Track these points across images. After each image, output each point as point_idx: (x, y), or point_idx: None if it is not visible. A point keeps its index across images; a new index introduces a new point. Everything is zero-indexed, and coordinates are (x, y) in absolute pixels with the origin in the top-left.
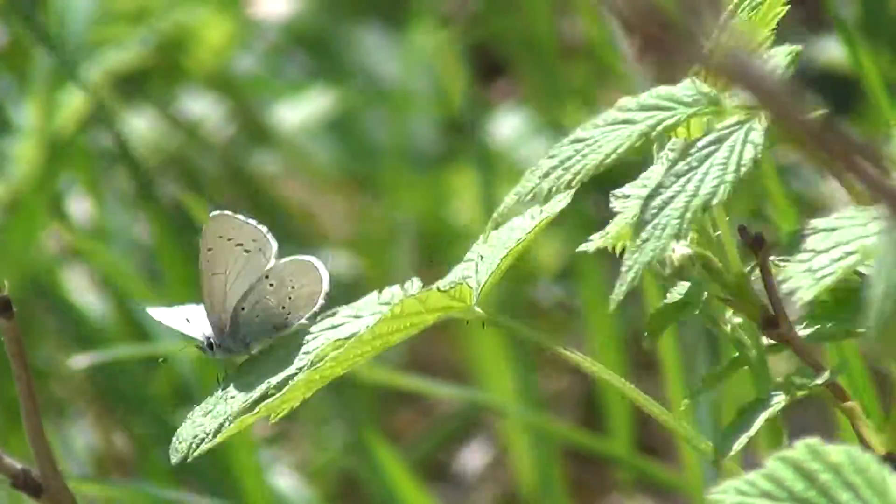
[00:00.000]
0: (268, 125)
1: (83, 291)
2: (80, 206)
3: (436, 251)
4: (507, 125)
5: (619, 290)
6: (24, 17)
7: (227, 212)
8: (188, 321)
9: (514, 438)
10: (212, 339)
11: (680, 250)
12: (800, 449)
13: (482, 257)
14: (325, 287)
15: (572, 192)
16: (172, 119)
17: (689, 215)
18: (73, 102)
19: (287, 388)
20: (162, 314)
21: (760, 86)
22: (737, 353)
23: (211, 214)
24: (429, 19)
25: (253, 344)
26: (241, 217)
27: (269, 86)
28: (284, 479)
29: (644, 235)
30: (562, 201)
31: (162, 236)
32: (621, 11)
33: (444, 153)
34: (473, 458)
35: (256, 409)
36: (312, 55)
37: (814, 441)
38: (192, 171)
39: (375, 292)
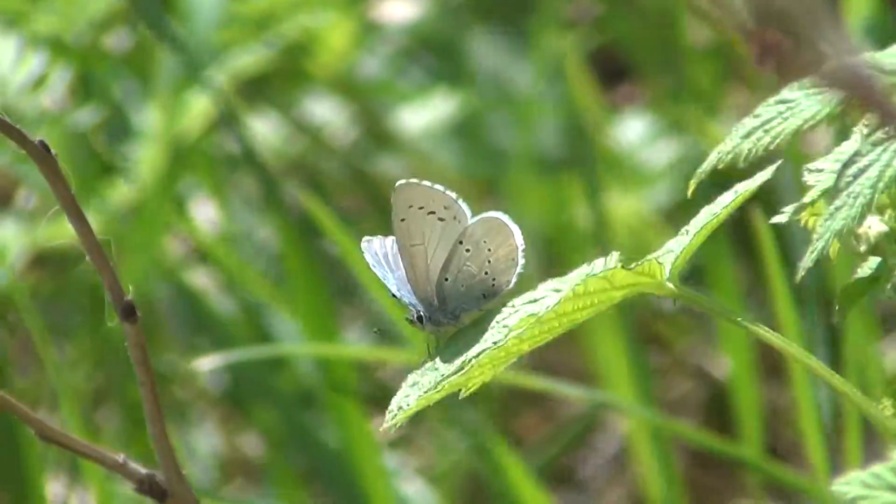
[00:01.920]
0: (391, 129)
1: (208, 295)
2: (203, 211)
3: (557, 254)
4: (632, 129)
5: (809, 258)
6: (149, 20)
7: (412, 179)
8: (395, 296)
9: (637, 441)
10: (421, 313)
11: (877, 227)
12: None
13: (686, 231)
14: (520, 242)
15: (775, 167)
16: (296, 123)
17: (882, 184)
18: (197, 106)
19: (471, 365)
20: (373, 250)
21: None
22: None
23: (397, 184)
24: (553, 23)
25: (463, 315)
26: (427, 183)
27: (393, 89)
28: (409, 484)
29: (837, 203)
30: (763, 176)
31: (287, 241)
32: (739, 17)
33: (567, 158)
34: (596, 462)
35: (440, 388)
36: (436, 59)
37: None
38: (316, 176)
39: (586, 265)
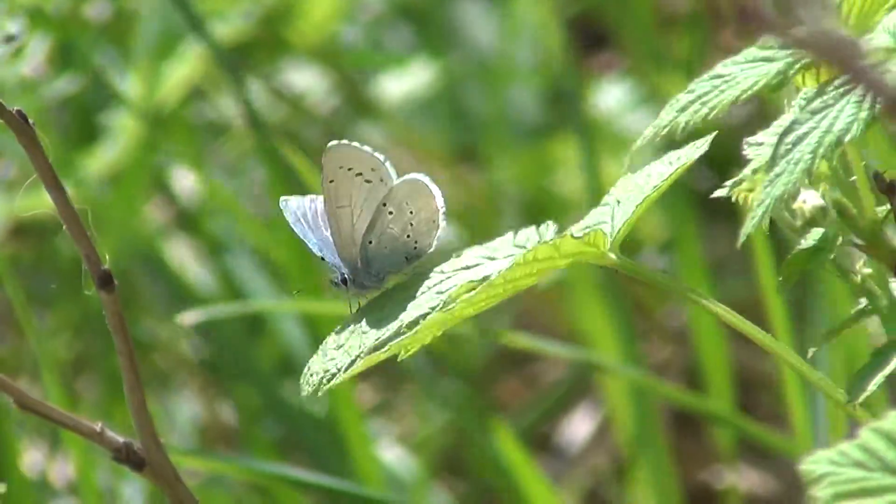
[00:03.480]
0: (371, 97)
1: (187, 263)
2: (183, 180)
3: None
4: (610, 96)
5: (750, 224)
6: None
7: (343, 140)
8: (322, 258)
9: (618, 403)
10: (346, 275)
11: (812, 201)
12: (892, 419)
13: (619, 202)
14: (440, 204)
15: (710, 138)
16: (276, 92)
17: (822, 150)
18: (177, 75)
19: (419, 327)
20: (293, 209)
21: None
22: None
23: (329, 144)
24: None
25: (387, 278)
26: (357, 144)
27: (373, 58)
28: (389, 451)
29: (777, 170)
30: (700, 147)
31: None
32: None
33: (546, 124)
34: (578, 427)
35: (387, 347)
36: (416, 27)
37: None
38: (297, 142)
39: (510, 233)
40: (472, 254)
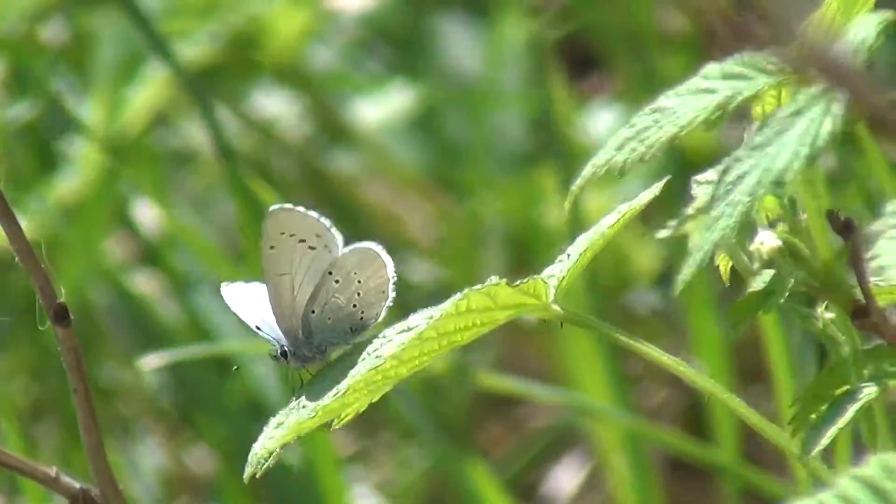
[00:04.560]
0: (346, 123)
1: (152, 299)
2: (146, 211)
3: (525, 256)
4: (600, 121)
5: (687, 272)
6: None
7: (286, 205)
8: (258, 328)
9: (610, 450)
10: (286, 347)
11: (769, 242)
12: (873, 466)
13: (569, 255)
14: (391, 274)
15: (662, 183)
16: (245, 117)
17: (761, 191)
18: (138, 100)
19: (345, 390)
20: (234, 295)
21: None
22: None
23: (270, 209)
24: (516, 10)
25: (329, 350)
26: (301, 209)
27: (348, 81)
28: (367, 500)
29: (716, 213)
30: (649, 193)
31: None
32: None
33: (533, 152)
34: (567, 477)
35: (315, 414)
36: (393, 49)
37: (888, 457)
38: (267, 173)
39: (459, 293)
40: (418, 316)
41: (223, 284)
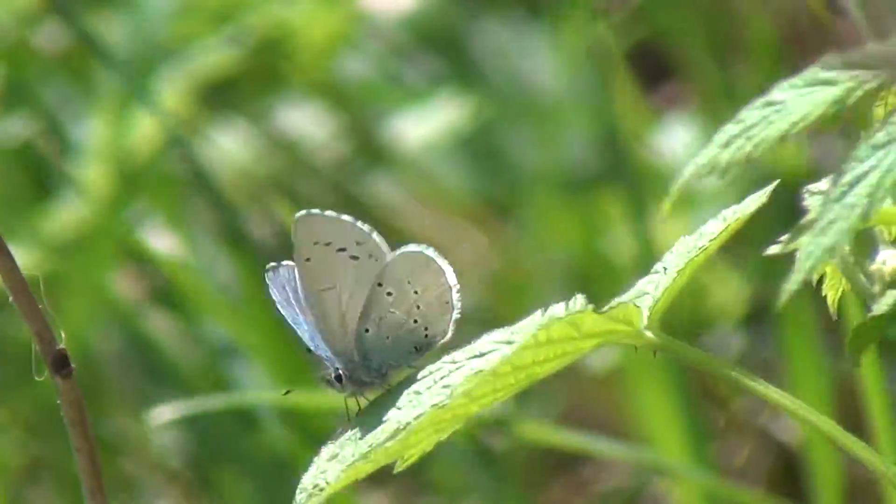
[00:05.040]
0: (386, 142)
1: (165, 343)
2: (159, 242)
3: (592, 292)
4: (674, 137)
5: (794, 279)
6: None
7: (314, 210)
8: (309, 350)
9: None
10: (340, 371)
11: (892, 262)
12: None
13: (665, 269)
14: (452, 280)
15: (769, 189)
16: (270, 136)
17: (881, 193)
18: (150, 117)
19: (407, 430)
20: (281, 282)
21: None
22: None
23: (296, 216)
24: (581, 12)
25: (390, 373)
26: (332, 213)
27: (387, 94)
28: None
29: (829, 216)
30: (756, 200)
31: (250, 283)
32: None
33: (600, 174)
34: None
35: (370, 456)
36: (439, 57)
37: None
38: (295, 200)
39: (539, 311)
40: (489, 338)
41: (269, 267)
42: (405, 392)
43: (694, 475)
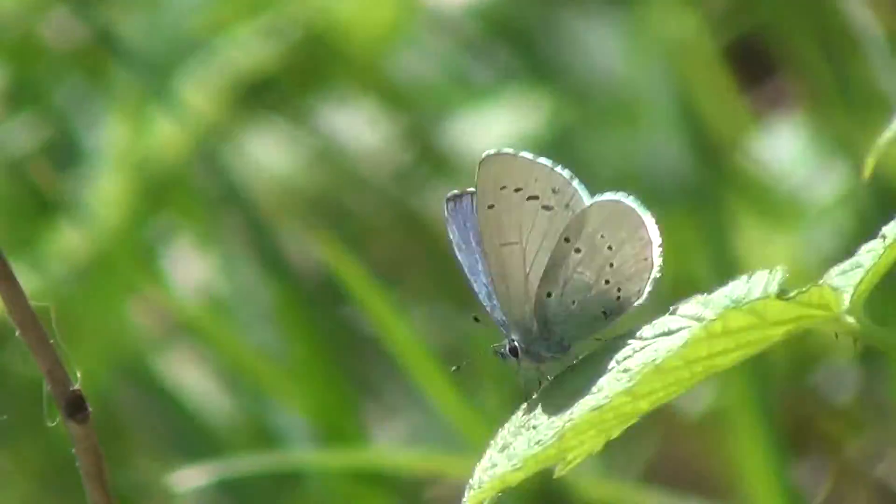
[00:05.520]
0: (448, 150)
1: (190, 382)
2: (185, 267)
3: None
4: (778, 144)
5: None
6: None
7: (505, 149)
8: (476, 319)
9: None
10: (516, 342)
11: None
12: None
13: (882, 241)
14: (654, 237)
15: None
16: (314, 143)
17: None
18: (175, 122)
19: (570, 424)
20: (459, 221)
21: None
22: None
23: (485, 154)
24: (670, 2)
25: (573, 347)
26: (528, 156)
27: (450, 95)
28: None
29: None
30: None
31: (288, 309)
32: None
33: (691, 186)
34: None
35: (518, 464)
36: (509, 53)
37: None
38: (343, 216)
39: (737, 281)
40: (680, 311)
41: (448, 196)
42: (581, 374)
43: None
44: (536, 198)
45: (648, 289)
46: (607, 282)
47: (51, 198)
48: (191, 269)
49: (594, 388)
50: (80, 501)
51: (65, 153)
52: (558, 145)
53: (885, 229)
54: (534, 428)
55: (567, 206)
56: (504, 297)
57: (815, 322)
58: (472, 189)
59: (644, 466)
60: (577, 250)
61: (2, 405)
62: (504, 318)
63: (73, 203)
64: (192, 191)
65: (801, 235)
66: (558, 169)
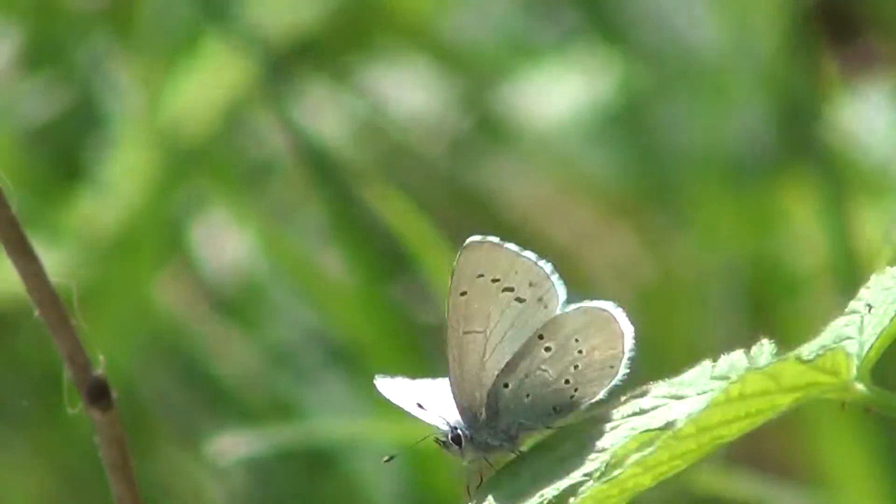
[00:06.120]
0: (508, 117)
1: (223, 366)
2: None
3: (769, 304)
4: (867, 112)
5: None
6: None
7: (490, 238)
8: (420, 406)
9: None
10: (460, 430)
11: None
12: None
13: (870, 308)
14: (628, 347)
15: None
16: (360, 109)
17: None
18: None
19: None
20: (391, 388)
21: None
22: None
23: (467, 242)
24: None
25: (521, 436)
26: (513, 247)
27: (510, 58)
28: None
29: None
30: None
31: (366, 279)
32: None
33: (778, 157)
34: None
35: None
36: (576, 12)
37: None
38: (391, 187)
39: (707, 362)
40: (651, 393)
41: (377, 378)
42: (544, 457)
43: None
44: (512, 290)
45: (604, 393)
46: (567, 381)
47: (72, 166)
48: (223, 244)
49: (563, 470)
50: (103, 494)
51: (86, 119)
52: (629, 115)
53: (864, 300)
54: None
55: (540, 299)
56: (458, 383)
57: (823, 389)
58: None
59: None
60: (548, 349)
61: (19, 391)
62: (450, 405)
63: (96, 173)
64: (224, 160)
65: (892, 210)
66: (541, 263)
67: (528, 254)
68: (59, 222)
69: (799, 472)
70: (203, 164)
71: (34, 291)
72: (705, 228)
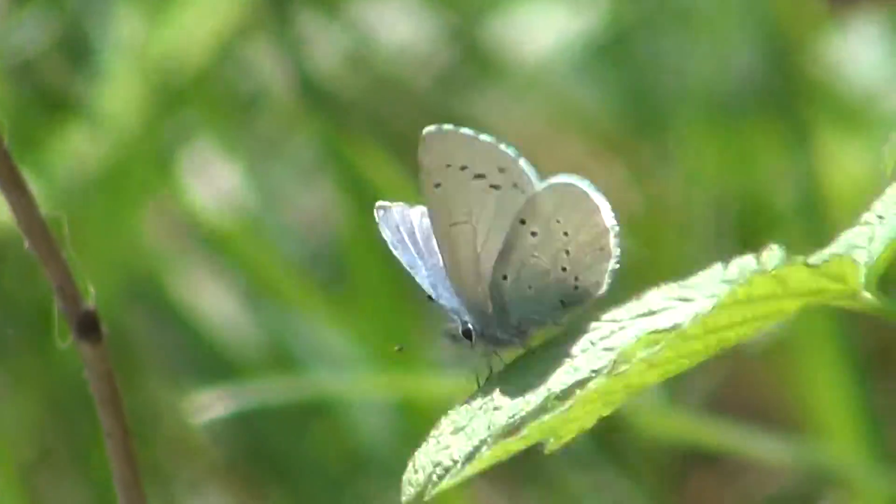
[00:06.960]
0: (497, 51)
1: (211, 300)
2: (208, 174)
3: (752, 237)
4: (859, 49)
5: None
6: None
7: (446, 126)
8: (430, 298)
9: None
10: (470, 324)
11: None
12: None
13: (881, 219)
14: (609, 221)
15: None
16: (350, 42)
17: None
18: (198, 15)
19: (573, 400)
20: (394, 223)
21: None
22: None
23: (425, 132)
24: None
25: (531, 330)
26: (470, 132)
27: None
28: None
29: None
30: None
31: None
32: None
33: (764, 93)
34: None
35: (524, 432)
36: None
37: None
38: (380, 121)
39: (718, 265)
40: (659, 294)
41: (378, 206)
42: (552, 353)
43: (874, 477)
44: (483, 176)
45: (608, 279)
46: (564, 269)
47: (61, 99)
48: (213, 177)
49: (573, 365)
50: (92, 428)
51: (76, 50)
52: (617, 50)
53: (876, 212)
54: (492, 410)
55: (515, 185)
56: (457, 278)
57: (830, 295)
58: (400, 204)
59: (708, 398)
60: (534, 233)
61: (7, 324)
62: (456, 300)
63: (86, 104)
64: (215, 92)
65: (880, 145)
66: (503, 147)
67: (486, 137)
68: (48, 153)
69: (784, 419)
70: (195, 97)
71: (24, 223)
72: (692, 162)
